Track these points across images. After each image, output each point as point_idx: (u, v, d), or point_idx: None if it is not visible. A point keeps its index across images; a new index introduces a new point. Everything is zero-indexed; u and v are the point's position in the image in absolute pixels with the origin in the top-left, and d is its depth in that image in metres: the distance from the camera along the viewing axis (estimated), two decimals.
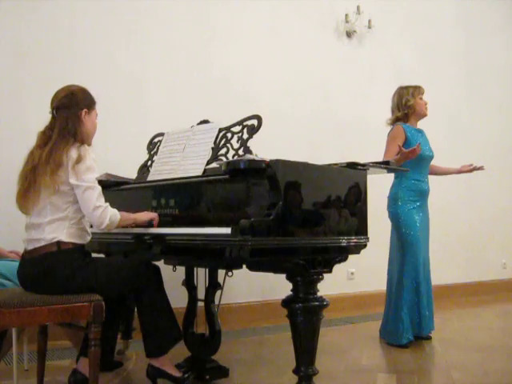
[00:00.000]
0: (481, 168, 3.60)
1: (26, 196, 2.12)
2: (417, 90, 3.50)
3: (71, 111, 2.17)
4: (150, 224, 2.30)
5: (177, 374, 2.26)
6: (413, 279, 3.32)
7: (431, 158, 3.53)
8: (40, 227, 2.10)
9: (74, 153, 2.08)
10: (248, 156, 2.16)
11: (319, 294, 2.14)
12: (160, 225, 2.32)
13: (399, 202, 3.39)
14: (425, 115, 3.54)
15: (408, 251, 3.33)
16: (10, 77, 3.37)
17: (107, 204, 2.12)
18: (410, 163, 3.29)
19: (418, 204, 3.40)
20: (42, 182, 2.07)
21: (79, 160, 2.06)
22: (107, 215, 2.09)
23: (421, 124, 3.60)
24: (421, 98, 3.51)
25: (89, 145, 2.21)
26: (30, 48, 3.44)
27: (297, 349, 2.11)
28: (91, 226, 2.24)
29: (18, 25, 3.41)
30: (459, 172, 3.71)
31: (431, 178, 3.66)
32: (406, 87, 3.53)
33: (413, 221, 3.35)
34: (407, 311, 3.29)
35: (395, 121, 3.51)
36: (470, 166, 3.63)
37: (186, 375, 2.28)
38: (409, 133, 3.40)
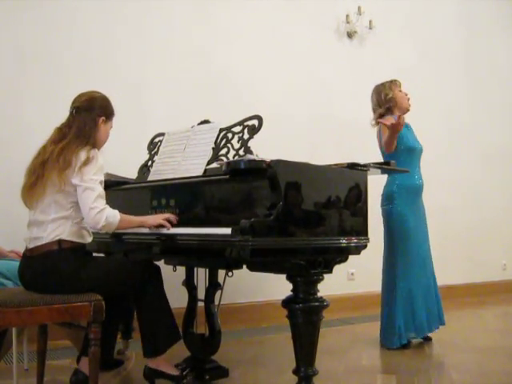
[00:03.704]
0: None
1: (32, 190, 2.13)
2: (393, 84, 3.45)
3: (90, 115, 2.22)
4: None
5: (174, 372, 2.26)
6: (405, 282, 3.25)
7: (421, 150, 3.45)
8: (43, 225, 2.11)
9: (83, 155, 2.10)
10: (248, 156, 2.17)
11: (319, 294, 2.14)
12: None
13: (393, 200, 3.31)
14: (407, 109, 3.45)
15: (400, 253, 3.28)
16: (9, 77, 3.37)
17: (106, 206, 2.10)
18: (401, 158, 3.27)
19: (411, 201, 3.34)
20: (50, 178, 2.09)
21: (86, 162, 2.08)
22: (103, 217, 2.07)
23: (421, 122, 3.59)
24: (400, 91, 3.45)
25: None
26: (29, 48, 3.44)
27: (297, 349, 2.11)
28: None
29: (17, 25, 3.41)
30: None
31: (431, 179, 3.65)
32: (382, 83, 3.49)
33: (406, 221, 3.29)
34: (401, 316, 3.23)
35: (380, 117, 3.44)
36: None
37: (184, 373, 2.28)
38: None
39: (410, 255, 3.29)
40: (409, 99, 3.47)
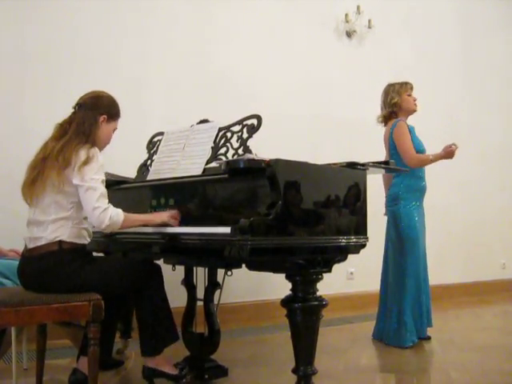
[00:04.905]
0: None
1: (32, 186, 2.11)
2: (403, 87, 3.42)
3: (91, 112, 2.20)
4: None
5: (173, 371, 2.25)
6: (415, 280, 3.28)
7: (425, 152, 3.45)
8: (43, 225, 2.10)
9: (82, 154, 2.08)
10: (248, 155, 2.16)
11: (318, 293, 2.14)
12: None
13: (400, 200, 3.32)
14: (414, 111, 3.45)
15: (409, 252, 3.29)
16: (11, 76, 3.37)
17: (109, 205, 2.09)
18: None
19: (417, 202, 3.37)
20: (49, 176, 2.07)
21: (86, 161, 2.07)
22: (106, 216, 2.05)
23: (420, 122, 3.59)
24: (409, 95, 3.42)
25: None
26: (30, 47, 3.43)
27: (296, 348, 2.11)
28: (94, 227, 2.23)
29: (19, 24, 3.41)
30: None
31: (430, 178, 3.66)
32: (393, 84, 3.47)
33: (414, 220, 3.31)
34: (410, 314, 3.25)
35: (384, 118, 3.47)
36: None
37: (183, 372, 2.27)
38: (410, 129, 3.38)
39: (418, 254, 3.32)
40: (416, 104, 3.44)
